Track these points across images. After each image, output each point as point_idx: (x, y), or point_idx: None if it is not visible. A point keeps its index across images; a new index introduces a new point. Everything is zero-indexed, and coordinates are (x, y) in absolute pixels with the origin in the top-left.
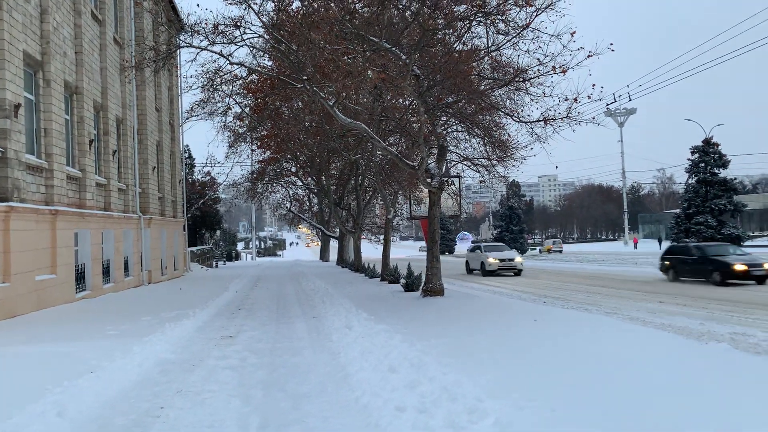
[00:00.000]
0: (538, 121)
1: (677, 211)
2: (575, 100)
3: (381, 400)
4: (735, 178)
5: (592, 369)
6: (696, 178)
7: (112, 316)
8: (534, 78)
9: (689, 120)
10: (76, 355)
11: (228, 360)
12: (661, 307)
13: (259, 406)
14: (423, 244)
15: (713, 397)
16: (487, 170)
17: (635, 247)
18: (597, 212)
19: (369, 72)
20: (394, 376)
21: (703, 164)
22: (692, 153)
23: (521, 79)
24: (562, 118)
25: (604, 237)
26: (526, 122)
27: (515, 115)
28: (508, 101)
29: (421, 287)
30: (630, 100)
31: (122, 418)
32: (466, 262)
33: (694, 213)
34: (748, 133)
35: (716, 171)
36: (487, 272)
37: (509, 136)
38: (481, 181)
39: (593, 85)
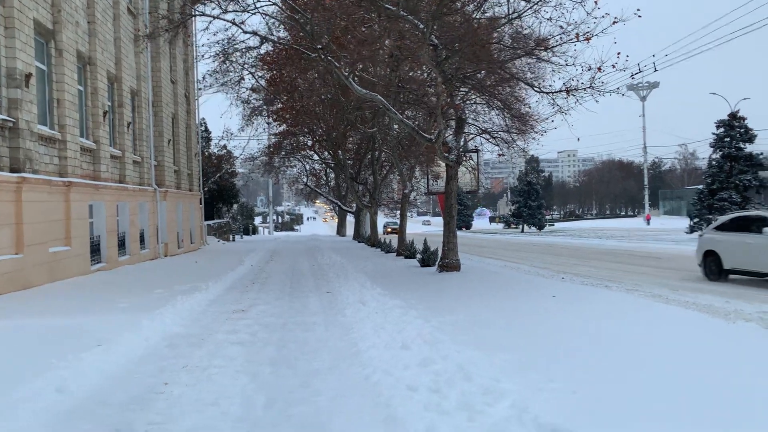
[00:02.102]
0: (560, 91)
1: (700, 187)
2: (599, 69)
3: (392, 378)
4: (761, 153)
5: (614, 349)
6: (721, 153)
7: (125, 288)
8: (557, 46)
9: (714, 94)
10: (84, 328)
11: (238, 334)
12: (684, 284)
13: (266, 383)
14: (426, 218)
15: (738, 378)
16: (506, 143)
17: (647, 224)
18: (617, 188)
19: (386, 41)
20: (406, 354)
21: (728, 138)
22: (717, 127)
23: (543, 48)
24: (585, 89)
25: (623, 213)
26: (547, 93)
27: (536, 85)
28: (528, 73)
29: (437, 262)
30: (656, 70)
31: (124, 394)
32: (707, 252)
33: (718, 189)
34: None
35: (742, 146)
36: None
37: (530, 108)
38: (500, 155)
39: (618, 53)
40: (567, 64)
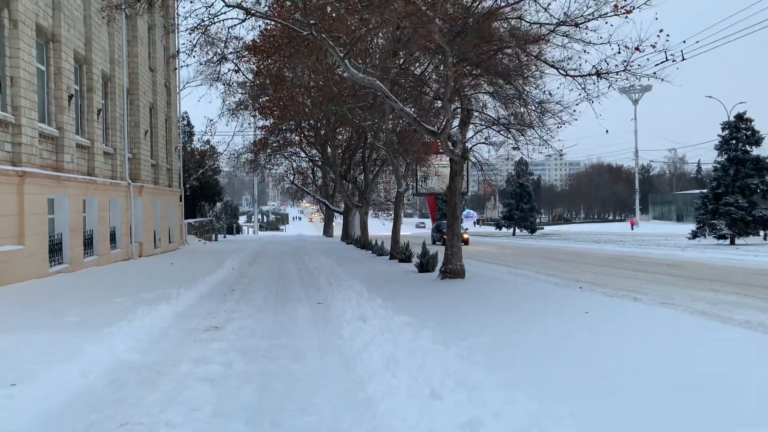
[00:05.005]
0: (590, 74)
1: (690, 192)
2: (637, 48)
3: None
4: None
5: (709, 395)
6: (726, 155)
7: (82, 295)
8: (590, 21)
9: (710, 97)
10: (10, 354)
11: (207, 366)
12: (717, 296)
13: None
14: (419, 220)
15: None
16: (521, 134)
17: (632, 228)
18: (606, 192)
19: (394, 5)
20: (439, 407)
21: (734, 141)
22: (722, 129)
23: (572, 24)
24: (618, 72)
25: (611, 217)
26: (574, 76)
27: (562, 67)
28: (549, 53)
29: (438, 268)
30: (683, 59)
31: None
32: None
33: (723, 193)
34: None
35: (748, 149)
36: None
37: (550, 94)
38: (514, 148)
39: (660, 30)
40: (601, 43)
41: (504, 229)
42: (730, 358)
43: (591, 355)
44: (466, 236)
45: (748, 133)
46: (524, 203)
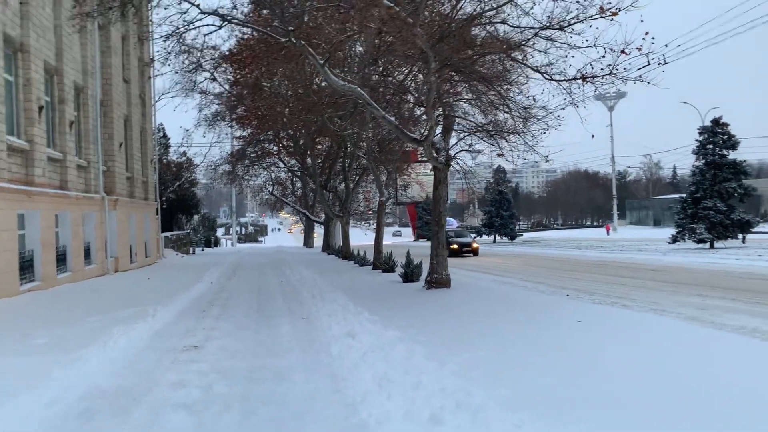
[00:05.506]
0: (575, 79)
1: (674, 196)
2: (623, 51)
3: None
4: (744, 161)
5: (740, 412)
6: (704, 160)
7: (53, 314)
8: (576, 23)
9: (685, 102)
10: None
11: (185, 390)
12: (705, 301)
13: None
14: (397, 229)
15: None
16: (505, 140)
17: (607, 234)
18: (583, 198)
19: (375, 10)
20: None
21: (711, 145)
22: (699, 134)
23: (557, 27)
24: (603, 76)
25: (589, 224)
26: (558, 81)
27: (547, 72)
28: (534, 58)
29: (423, 278)
30: (665, 63)
31: None
32: None
33: (701, 197)
34: (754, 117)
35: (725, 153)
36: None
37: (534, 100)
38: (499, 155)
39: (646, 33)
40: (587, 46)
41: (484, 237)
42: (744, 369)
43: (591, 368)
44: (475, 245)
45: (725, 137)
46: (504, 210)
